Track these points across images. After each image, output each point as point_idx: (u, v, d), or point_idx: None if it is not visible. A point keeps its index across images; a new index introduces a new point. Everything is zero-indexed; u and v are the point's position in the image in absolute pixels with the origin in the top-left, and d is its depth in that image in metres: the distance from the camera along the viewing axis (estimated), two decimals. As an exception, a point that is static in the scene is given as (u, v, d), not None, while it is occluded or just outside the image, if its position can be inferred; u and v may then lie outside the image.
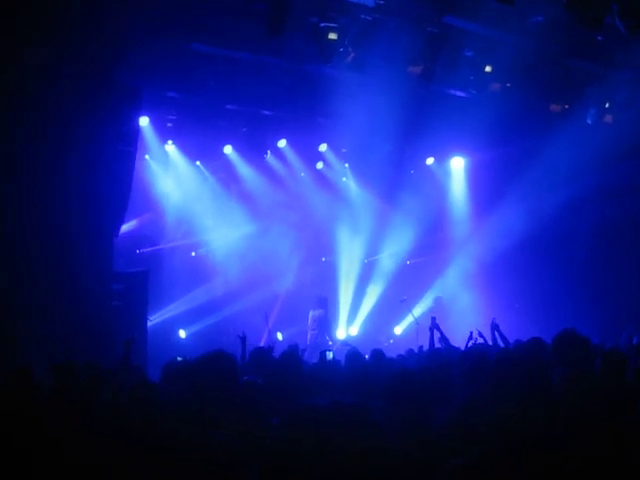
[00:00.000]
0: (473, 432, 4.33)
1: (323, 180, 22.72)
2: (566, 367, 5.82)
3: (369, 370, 8.58)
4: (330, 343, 20.20)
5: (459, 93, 17.30)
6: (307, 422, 3.01)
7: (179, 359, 10.37)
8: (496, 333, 12.73)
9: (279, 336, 19.96)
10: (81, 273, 13.35)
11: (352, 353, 10.43)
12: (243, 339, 11.76)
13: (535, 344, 7.42)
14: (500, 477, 3.60)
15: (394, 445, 3.29)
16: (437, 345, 12.70)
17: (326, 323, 21.28)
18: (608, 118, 17.47)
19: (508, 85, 16.02)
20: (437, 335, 12.86)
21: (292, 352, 9.09)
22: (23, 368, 7.43)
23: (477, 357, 7.18)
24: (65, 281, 13.17)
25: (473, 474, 3.65)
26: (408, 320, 20.86)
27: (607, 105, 17.31)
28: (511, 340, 12.06)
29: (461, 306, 21.86)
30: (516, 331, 17.08)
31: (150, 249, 20.87)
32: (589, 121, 17.42)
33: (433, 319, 13.33)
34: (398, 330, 22.14)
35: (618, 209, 19.93)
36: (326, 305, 21.63)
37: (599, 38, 15.00)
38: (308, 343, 19.56)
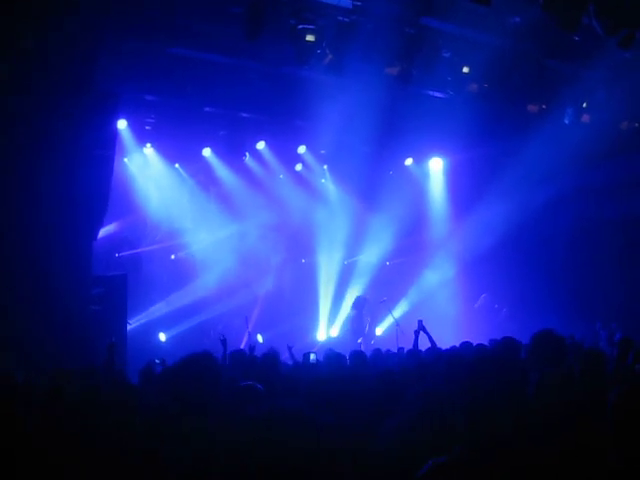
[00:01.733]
0: (433, 431, 4.35)
1: (302, 182, 22.73)
2: (542, 366, 5.86)
3: (347, 372, 8.59)
4: (359, 341, 20.21)
5: (437, 94, 17.33)
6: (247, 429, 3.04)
7: (157, 361, 10.37)
8: (422, 334, 12.71)
9: (259, 338, 19.93)
10: (60, 277, 13.31)
11: (331, 355, 10.43)
12: (223, 341, 11.74)
13: (508, 343, 7.46)
14: (479, 476, 3.61)
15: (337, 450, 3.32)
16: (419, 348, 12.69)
17: (357, 324, 21.23)
18: (585, 118, 17.54)
19: (485, 86, 16.05)
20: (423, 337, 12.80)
21: (272, 355, 9.07)
22: (5, 373, 7.37)
23: (453, 357, 7.22)
24: (44, 285, 13.12)
25: (453, 473, 3.66)
26: (388, 321, 20.87)
27: (584, 105, 17.38)
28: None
29: (440, 307, 21.88)
30: (495, 330, 17.22)
31: (129, 252, 20.80)
32: (566, 121, 17.48)
33: (420, 322, 13.28)
34: (378, 331, 22.17)
35: (596, 208, 20.03)
36: (359, 306, 21.58)
37: (576, 38, 15.06)
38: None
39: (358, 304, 21.52)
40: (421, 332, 12.81)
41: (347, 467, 3.95)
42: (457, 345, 10.39)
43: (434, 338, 12.55)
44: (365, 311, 21.58)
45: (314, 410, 3.16)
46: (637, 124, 18.13)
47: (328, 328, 23.34)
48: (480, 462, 3.60)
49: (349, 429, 5.29)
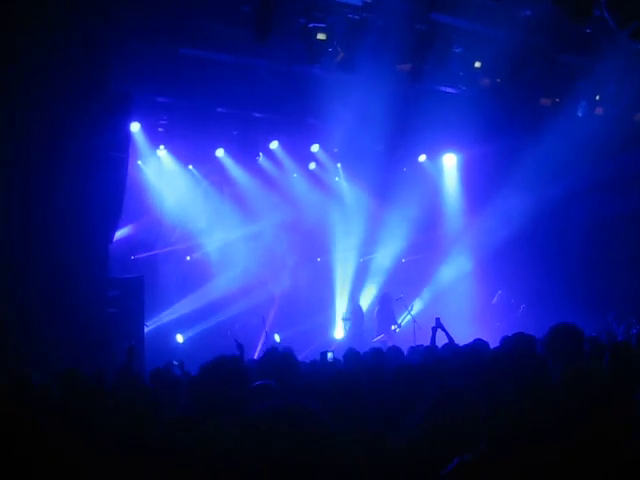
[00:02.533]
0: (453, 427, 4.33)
1: (316, 180, 22.72)
2: (560, 360, 5.83)
3: (365, 369, 8.56)
4: (376, 339, 20.19)
5: (449, 90, 17.30)
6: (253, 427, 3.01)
7: (175, 363, 10.38)
8: (440, 332, 12.67)
9: (276, 338, 19.95)
10: (76, 280, 13.33)
11: (350, 353, 10.43)
12: (240, 347, 11.68)
13: (521, 338, 7.41)
14: (506, 473, 3.59)
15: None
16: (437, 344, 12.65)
17: (379, 319, 21.21)
18: (598, 111, 17.48)
19: (498, 80, 16.03)
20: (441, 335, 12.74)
21: (288, 354, 9.06)
22: (23, 374, 7.39)
23: (471, 352, 7.20)
24: (61, 288, 13.13)
25: (479, 471, 3.64)
26: (405, 318, 20.86)
27: (597, 98, 17.32)
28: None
29: (457, 303, 21.84)
30: (512, 326, 17.20)
31: (145, 254, 20.84)
32: (579, 114, 17.42)
33: (437, 319, 13.25)
34: (393, 327, 22.14)
35: (610, 202, 19.96)
36: (382, 302, 21.56)
37: (587, 31, 15.02)
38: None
39: (380, 300, 21.48)
40: (439, 329, 12.78)
41: (357, 460, 3.94)
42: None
43: (451, 335, 12.53)
44: (390, 309, 21.52)
45: (333, 407, 3.15)
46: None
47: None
48: (505, 459, 3.58)
49: (368, 425, 5.27)
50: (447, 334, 12.50)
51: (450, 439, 4.15)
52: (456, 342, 11.92)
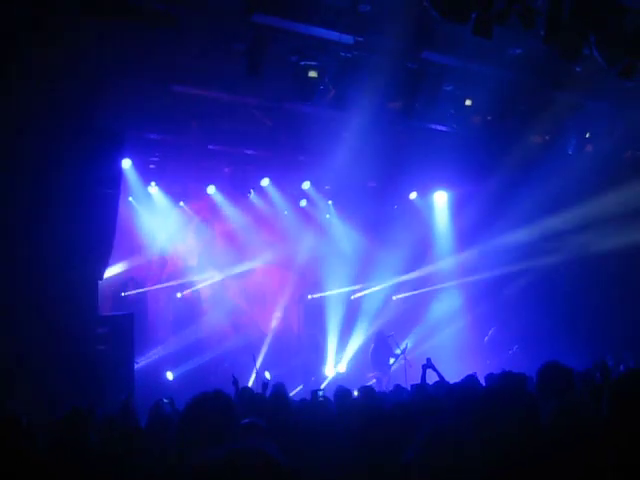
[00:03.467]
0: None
1: (307, 218, 22.71)
2: (552, 399, 5.81)
3: (357, 407, 8.51)
4: (370, 375, 20.11)
5: (440, 127, 17.37)
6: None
7: (165, 400, 10.30)
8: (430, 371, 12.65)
9: (267, 375, 19.85)
10: (65, 317, 13.26)
11: (340, 391, 10.39)
12: (235, 382, 11.63)
13: (508, 377, 7.39)
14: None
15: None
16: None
17: (374, 356, 21.09)
18: (589, 148, 17.57)
19: (488, 118, 16.08)
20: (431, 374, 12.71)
21: (279, 391, 9.01)
22: (12, 416, 7.28)
23: (462, 390, 7.17)
24: (49, 325, 13.05)
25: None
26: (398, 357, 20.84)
27: (587, 135, 17.41)
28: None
29: (447, 340, 21.81)
30: (504, 363, 17.15)
31: (135, 291, 20.76)
32: (570, 151, 17.50)
33: (428, 359, 13.26)
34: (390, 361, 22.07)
35: (601, 238, 19.96)
36: (376, 339, 21.43)
37: (577, 69, 15.12)
38: None
39: (377, 338, 21.38)
40: (429, 369, 12.75)
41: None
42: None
43: (443, 373, 12.50)
44: (385, 345, 21.41)
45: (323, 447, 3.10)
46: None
47: (336, 364, 23.26)
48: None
49: (358, 465, 5.22)
50: (438, 374, 12.46)
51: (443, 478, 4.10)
52: (447, 381, 11.90)
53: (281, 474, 2.88)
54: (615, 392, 4.47)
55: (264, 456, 2.92)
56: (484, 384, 10.39)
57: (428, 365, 12.85)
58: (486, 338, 22.14)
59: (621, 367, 14.61)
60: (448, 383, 11.31)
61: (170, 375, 20.60)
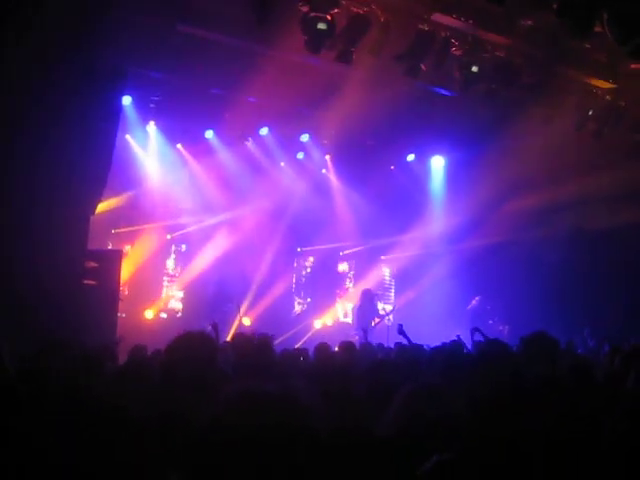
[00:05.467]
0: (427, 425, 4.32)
1: (303, 170, 22.67)
2: (535, 367, 5.88)
3: (336, 361, 8.59)
4: (352, 333, 20.22)
5: (443, 91, 17.34)
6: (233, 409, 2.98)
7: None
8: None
9: (246, 321, 19.95)
10: (55, 249, 13.26)
11: (320, 345, 10.47)
12: (215, 326, 11.69)
13: (495, 343, 7.47)
14: (486, 472, 3.59)
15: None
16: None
17: (361, 315, 21.15)
18: (591, 126, 17.55)
19: (493, 86, 16.02)
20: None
21: (265, 340, 9.04)
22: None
23: (449, 353, 7.23)
24: (37, 257, 13.06)
25: (459, 470, 3.63)
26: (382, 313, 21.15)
27: (590, 113, 17.37)
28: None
29: (434, 304, 21.91)
30: (488, 332, 17.25)
31: (126, 229, 20.75)
32: (572, 128, 17.49)
33: (400, 326, 13.40)
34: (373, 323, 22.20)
35: (594, 217, 20.02)
36: (363, 298, 21.48)
37: (587, 46, 15.08)
38: None
39: (364, 296, 21.44)
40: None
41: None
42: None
43: (426, 338, 12.62)
44: (373, 304, 21.52)
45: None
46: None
47: (324, 316, 23.49)
48: (484, 458, 3.58)
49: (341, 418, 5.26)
50: (408, 340, 12.55)
51: (427, 436, 4.15)
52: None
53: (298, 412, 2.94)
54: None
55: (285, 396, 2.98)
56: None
57: (399, 331, 13.01)
58: (469, 306, 22.22)
59: (605, 347, 14.71)
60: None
61: (149, 314, 20.69)
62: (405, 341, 12.59)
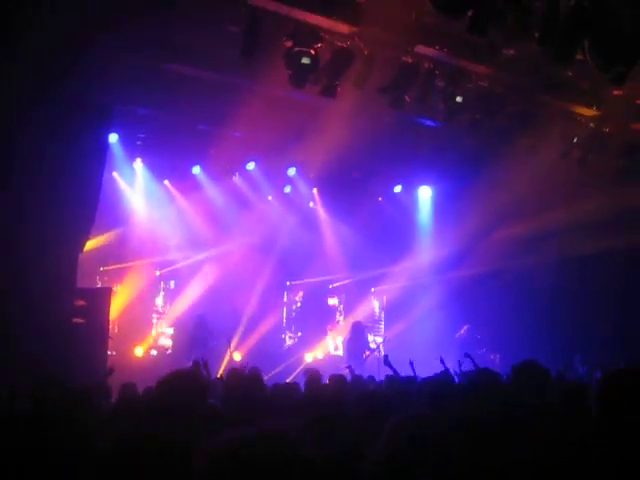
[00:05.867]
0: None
1: (290, 204, 22.70)
2: (525, 396, 5.88)
3: (328, 394, 8.57)
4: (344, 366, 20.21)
5: (429, 122, 17.42)
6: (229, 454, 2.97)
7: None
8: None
9: (236, 356, 19.90)
10: (43, 288, 13.24)
11: (311, 377, 10.45)
12: (205, 364, 11.62)
13: (485, 373, 7.46)
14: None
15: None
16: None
17: (349, 347, 21.17)
18: (576, 153, 17.63)
19: (477, 117, 16.10)
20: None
21: (256, 375, 9.02)
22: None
23: (438, 384, 7.22)
24: (27, 296, 13.04)
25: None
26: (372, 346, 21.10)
27: (575, 140, 17.47)
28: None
29: (424, 335, 21.88)
30: (479, 361, 17.23)
31: (115, 266, 20.71)
32: (557, 156, 17.57)
33: (385, 356, 13.46)
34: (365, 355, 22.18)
35: (578, 245, 20.07)
36: (353, 330, 21.51)
37: (569, 74, 15.19)
38: None
39: (354, 329, 21.43)
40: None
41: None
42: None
43: (415, 365, 12.65)
44: (363, 337, 21.53)
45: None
46: (626, 161, 18.24)
47: (315, 350, 23.44)
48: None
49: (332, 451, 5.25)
50: (394, 371, 12.55)
51: (416, 462, 4.14)
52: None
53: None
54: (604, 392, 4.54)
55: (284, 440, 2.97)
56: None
57: (385, 362, 13.03)
58: (457, 334, 22.21)
59: (596, 374, 14.72)
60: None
61: (139, 351, 20.63)
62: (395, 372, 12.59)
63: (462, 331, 22.23)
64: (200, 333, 19.43)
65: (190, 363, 13.65)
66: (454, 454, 3.80)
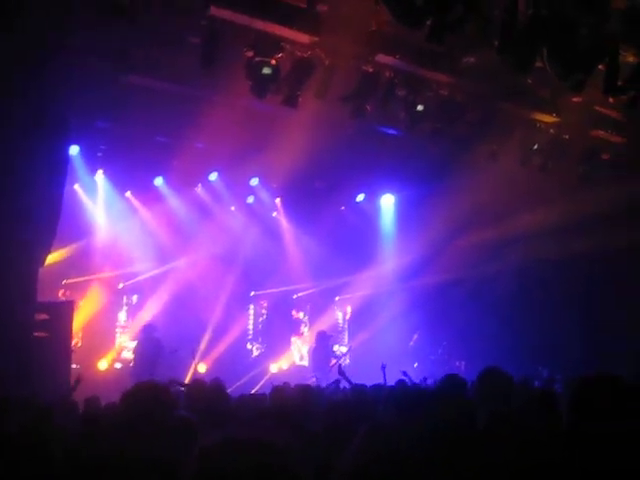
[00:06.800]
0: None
1: (253, 214, 22.67)
2: (490, 403, 5.88)
3: (294, 404, 8.55)
4: (310, 375, 20.17)
5: (390, 131, 17.47)
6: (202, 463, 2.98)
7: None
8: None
9: (201, 368, 19.81)
10: (4, 303, 13.12)
11: (278, 388, 10.42)
12: (172, 382, 11.49)
13: (452, 380, 7.49)
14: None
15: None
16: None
17: (314, 356, 21.15)
18: (536, 160, 17.76)
19: (438, 125, 16.17)
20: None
21: (218, 386, 8.97)
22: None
23: (404, 394, 7.22)
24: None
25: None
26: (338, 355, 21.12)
27: (535, 147, 17.59)
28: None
29: (388, 343, 21.91)
30: (431, 367, 17.35)
31: (77, 279, 20.55)
32: (517, 163, 17.69)
33: (339, 366, 13.53)
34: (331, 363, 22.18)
35: (540, 250, 20.19)
36: (317, 340, 21.52)
37: (529, 82, 15.30)
38: None
39: (319, 338, 21.43)
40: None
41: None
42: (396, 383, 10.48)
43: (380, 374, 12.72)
44: (328, 346, 21.56)
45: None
46: (587, 167, 18.41)
47: (280, 360, 23.42)
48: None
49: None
50: (349, 381, 12.57)
51: (383, 474, 4.13)
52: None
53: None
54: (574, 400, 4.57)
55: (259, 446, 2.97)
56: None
57: (339, 372, 13.07)
58: (410, 343, 22.28)
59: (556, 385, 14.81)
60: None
61: (103, 364, 20.49)
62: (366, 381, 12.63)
63: (413, 340, 22.33)
64: (150, 343, 19.16)
65: (148, 375, 13.58)
66: (422, 464, 3.80)
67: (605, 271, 19.95)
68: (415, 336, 22.32)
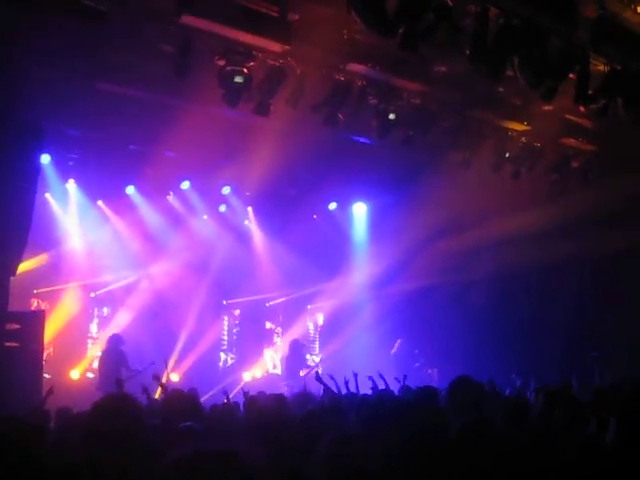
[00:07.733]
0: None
1: (226, 223, 22.62)
2: (460, 412, 5.89)
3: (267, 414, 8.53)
4: (282, 384, 20.12)
5: (362, 139, 17.50)
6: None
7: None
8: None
9: (174, 377, 19.72)
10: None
11: (251, 397, 10.43)
12: (145, 390, 11.45)
13: (425, 391, 7.52)
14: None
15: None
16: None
17: (290, 366, 21.12)
18: (508, 167, 17.86)
19: (411, 133, 16.22)
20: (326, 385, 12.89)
21: (192, 396, 8.95)
22: None
23: (378, 402, 7.22)
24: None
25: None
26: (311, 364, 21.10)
27: (507, 155, 17.70)
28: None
29: (361, 351, 21.91)
30: (416, 376, 17.31)
31: (48, 289, 20.42)
32: (489, 170, 17.78)
33: (316, 373, 13.57)
34: (302, 372, 22.13)
35: (516, 256, 20.26)
36: (291, 348, 21.46)
37: (500, 90, 15.39)
38: None
39: (293, 347, 21.41)
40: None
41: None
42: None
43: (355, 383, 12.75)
44: (302, 354, 21.57)
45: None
46: (558, 174, 18.54)
47: (253, 369, 23.38)
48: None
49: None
50: (325, 386, 12.61)
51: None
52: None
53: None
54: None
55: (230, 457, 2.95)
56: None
57: (316, 379, 13.10)
58: (393, 350, 22.27)
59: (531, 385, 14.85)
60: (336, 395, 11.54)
61: (75, 374, 20.35)
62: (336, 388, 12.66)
63: (395, 347, 22.30)
64: (113, 354, 18.96)
65: (112, 386, 13.47)
66: (394, 473, 3.80)
67: (590, 277, 20.08)
68: (397, 343, 22.29)
